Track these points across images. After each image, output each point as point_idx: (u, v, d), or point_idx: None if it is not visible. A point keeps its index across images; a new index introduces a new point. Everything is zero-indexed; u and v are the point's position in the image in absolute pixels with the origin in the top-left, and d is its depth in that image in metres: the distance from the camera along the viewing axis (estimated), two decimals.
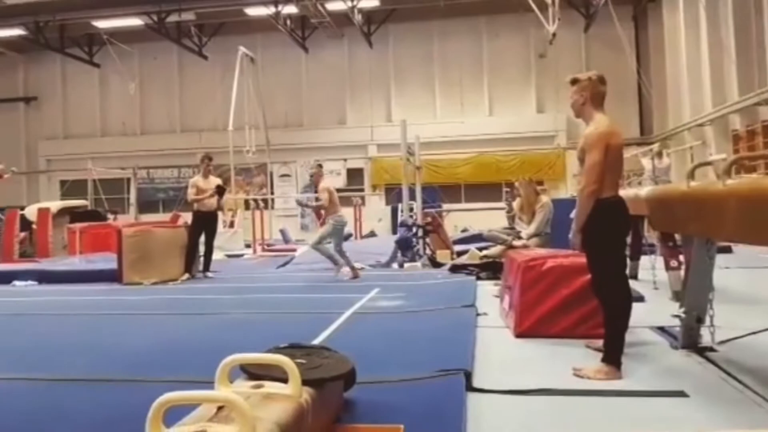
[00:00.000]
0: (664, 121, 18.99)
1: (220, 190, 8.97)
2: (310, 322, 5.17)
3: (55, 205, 14.20)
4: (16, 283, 8.86)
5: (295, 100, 22.46)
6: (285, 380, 2.29)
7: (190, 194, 8.91)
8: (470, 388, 3.14)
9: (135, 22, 19.91)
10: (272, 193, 21.26)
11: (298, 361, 2.43)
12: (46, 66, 23.75)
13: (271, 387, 2.32)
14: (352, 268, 8.29)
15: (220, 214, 10.60)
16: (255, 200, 16.28)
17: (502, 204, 16.13)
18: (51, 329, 5.43)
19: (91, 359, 4.08)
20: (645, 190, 4.96)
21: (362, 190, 21.15)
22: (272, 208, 20.31)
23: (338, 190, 22.61)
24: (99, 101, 23.84)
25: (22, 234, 13.25)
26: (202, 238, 9.10)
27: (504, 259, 5.90)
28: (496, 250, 6.89)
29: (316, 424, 2.38)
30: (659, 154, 10.67)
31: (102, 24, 20.34)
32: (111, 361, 4.00)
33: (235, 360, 2.38)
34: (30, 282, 8.89)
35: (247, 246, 15.22)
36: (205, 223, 9.02)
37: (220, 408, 2.03)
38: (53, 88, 24.10)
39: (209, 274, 9.08)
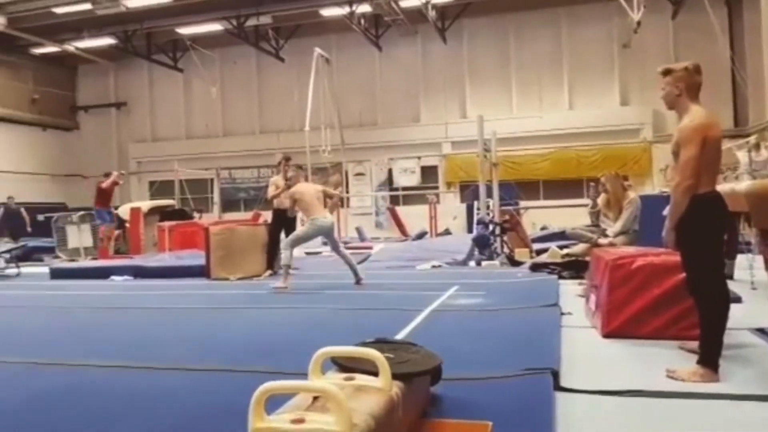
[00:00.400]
0: (761, 112, 17.77)
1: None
2: (390, 318, 5.22)
3: (145, 204, 15.03)
4: (114, 278, 9.45)
5: (369, 99, 22.66)
6: (375, 374, 2.33)
7: (270, 192, 9.26)
8: (558, 387, 3.08)
9: (215, 27, 20.70)
10: (347, 192, 21.58)
11: (387, 355, 2.47)
12: (134, 72, 25.05)
13: (361, 380, 2.37)
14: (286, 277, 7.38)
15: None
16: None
17: (582, 201, 15.69)
18: (150, 321, 5.78)
19: (187, 350, 4.31)
20: (743, 185, 4.70)
21: (437, 187, 21.10)
22: (348, 206, 20.61)
23: (413, 188, 22.41)
24: (183, 105, 24.92)
25: (117, 232, 14.12)
26: (283, 236, 9.38)
27: (588, 257, 5.74)
28: (579, 248, 6.71)
29: (405, 417, 2.41)
30: (756, 147, 10.05)
31: (185, 30, 21.23)
32: (206, 352, 4.21)
33: (327, 353, 2.44)
34: (126, 277, 9.45)
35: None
36: (284, 221, 9.29)
37: (315, 398, 2.10)
38: (141, 93, 25.41)
39: (291, 271, 9.32)
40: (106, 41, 21.60)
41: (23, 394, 3.25)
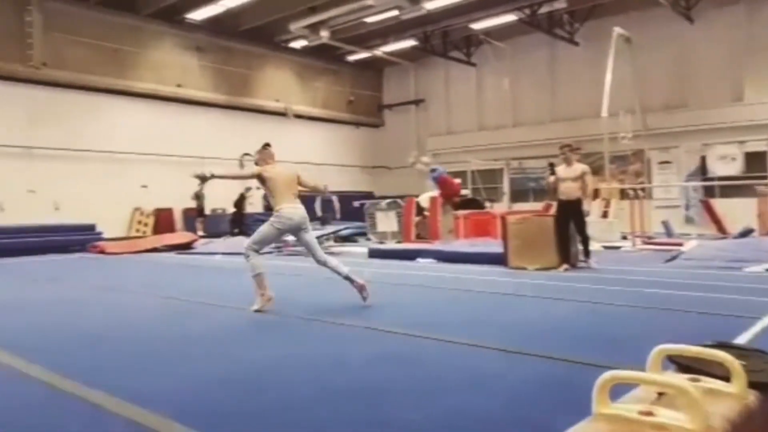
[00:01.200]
0: None
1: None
2: (717, 323, 4.71)
3: None
4: (420, 260, 10.31)
5: (678, 78, 20.37)
6: (722, 378, 2.10)
7: (548, 182, 9.09)
8: None
9: (509, 18, 20.90)
10: (650, 182, 19.86)
11: (739, 361, 2.21)
12: (431, 70, 26.78)
13: (708, 382, 2.16)
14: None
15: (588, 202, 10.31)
16: (633, 189, 15.41)
17: None
18: (464, 301, 6.21)
19: (500, 331, 4.51)
20: None
21: (765, 177, 17.99)
22: (651, 198, 18.96)
23: (733, 178, 19.57)
24: (476, 98, 25.80)
25: (417, 218, 15.35)
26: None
27: None
28: None
29: (761, 430, 2.12)
30: None
31: (478, 25, 21.91)
32: (518, 337, 4.33)
33: (667, 350, 2.27)
34: (430, 260, 10.24)
35: (623, 238, 14.56)
36: (567, 211, 8.86)
37: (660, 394, 1.97)
38: (437, 90, 27.07)
39: (593, 264, 8.90)
40: (408, 43, 23.65)
41: (365, 355, 3.75)
